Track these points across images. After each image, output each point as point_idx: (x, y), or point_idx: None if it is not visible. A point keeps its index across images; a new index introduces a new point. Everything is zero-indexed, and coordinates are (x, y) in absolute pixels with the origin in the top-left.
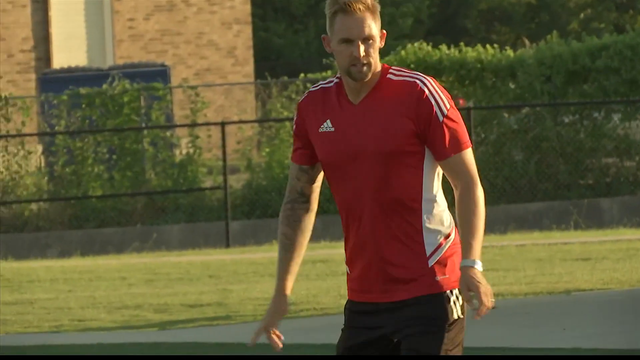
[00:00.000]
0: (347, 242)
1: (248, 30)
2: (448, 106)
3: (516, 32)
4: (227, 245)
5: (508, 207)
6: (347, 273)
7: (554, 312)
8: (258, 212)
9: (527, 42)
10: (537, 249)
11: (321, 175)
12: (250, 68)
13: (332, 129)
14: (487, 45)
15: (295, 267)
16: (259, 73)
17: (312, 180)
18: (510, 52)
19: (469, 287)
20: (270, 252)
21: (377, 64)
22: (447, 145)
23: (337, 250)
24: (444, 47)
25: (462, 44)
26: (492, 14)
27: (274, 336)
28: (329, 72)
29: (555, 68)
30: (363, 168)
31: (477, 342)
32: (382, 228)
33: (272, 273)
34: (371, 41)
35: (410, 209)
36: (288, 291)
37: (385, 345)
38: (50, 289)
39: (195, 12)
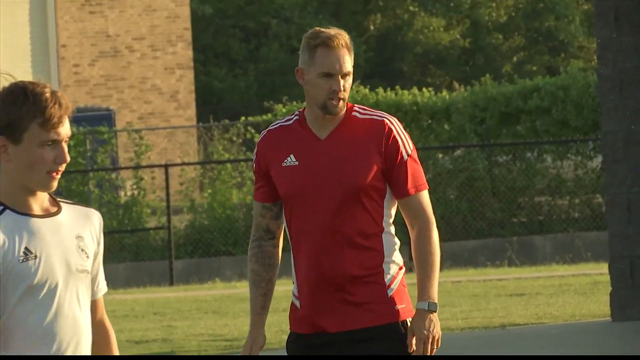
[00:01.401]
0: (300, 274)
1: (190, 75)
2: (411, 147)
3: (451, 75)
4: (171, 283)
5: (444, 244)
6: (295, 307)
7: (489, 346)
8: (201, 251)
9: (456, 85)
10: (472, 285)
11: (276, 215)
12: (192, 111)
13: (297, 163)
14: (423, 88)
15: (267, 302)
16: (200, 116)
17: (277, 217)
18: (445, 95)
19: (415, 333)
20: (213, 290)
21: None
22: (408, 185)
23: (278, 288)
24: (380, 90)
25: (398, 87)
26: (427, 58)
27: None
28: (269, 115)
29: (489, 110)
30: (328, 201)
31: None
32: (345, 260)
33: (215, 310)
34: (348, 77)
35: (372, 241)
36: (263, 325)
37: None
38: None
39: (139, 58)
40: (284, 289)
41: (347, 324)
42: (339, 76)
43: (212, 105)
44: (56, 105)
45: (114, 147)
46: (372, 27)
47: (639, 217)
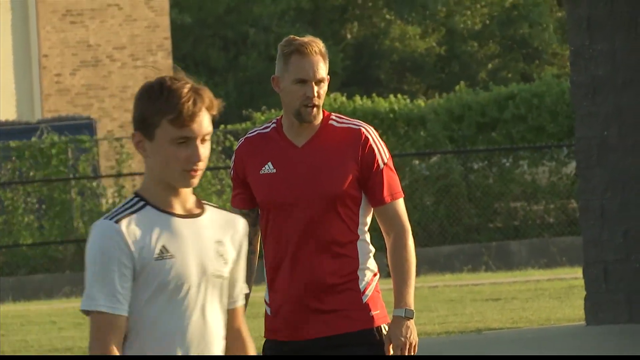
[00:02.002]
0: (274, 281)
1: None
2: (387, 155)
3: (427, 82)
4: None
5: (420, 250)
6: (268, 314)
7: (465, 350)
8: None
9: (435, 95)
10: (448, 290)
11: (254, 222)
12: None
13: (274, 171)
14: (399, 95)
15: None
16: None
17: (254, 224)
18: (421, 102)
19: (391, 340)
20: None
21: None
22: (384, 193)
23: (257, 294)
24: (357, 98)
25: (374, 94)
26: (404, 65)
27: None
28: (248, 124)
29: (464, 117)
30: (305, 209)
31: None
32: (320, 267)
33: None
34: (322, 84)
35: (347, 249)
36: None
37: None
38: None
39: (119, 67)
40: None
41: (322, 330)
42: (313, 82)
43: None
44: (190, 102)
45: (96, 155)
46: (349, 36)
47: (613, 223)
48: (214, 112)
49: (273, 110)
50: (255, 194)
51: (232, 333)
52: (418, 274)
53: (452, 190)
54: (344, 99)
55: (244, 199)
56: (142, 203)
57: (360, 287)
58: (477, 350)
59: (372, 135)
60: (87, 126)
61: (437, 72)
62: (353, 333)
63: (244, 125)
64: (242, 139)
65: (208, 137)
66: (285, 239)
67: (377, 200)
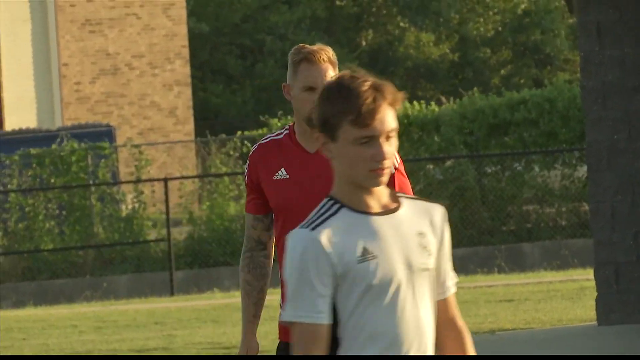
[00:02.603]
0: None
1: (188, 92)
2: (399, 159)
3: (440, 88)
4: (172, 294)
5: None
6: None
7: (479, 351)
8: (200, 262)
9: (443, 99)
10: (462, 291)
11: (268, 227)
12: (190, 127)
13: (287, 177)
14: (414, 101)
15: (259, 311)
16: (198, 131)
17: (268, 228)
18: (434, 108)
19: None
20: (212, 300)
21: None
22: None
23: (275, 297)
24: None
25: None
26: (418, 72)
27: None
28: (265, 130)
29: (477, 122)
30: None
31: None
32: None
33: (214, 319)
34: None
35: None
36: (255, 333)
37: None
38: (5, 337)
39: (138, 75)
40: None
41: None
42: (320, 88)
43: (209, 120)
44: (370, 100)
45: (115, 162)
46: (364, 43)
47: (623, 225)
48: (398, 107)
49: (289, 117)
50: (269, 199)
51: (446, 323)
52: None
53: (466, 194)
54: None
55: (258, 204)
56: (337, 206)
57: None
58: (490, 350)
59: None
60: (106, 133)
61: (451, 78)
62: None
63: (260, 131)
64: (255, 146)
65: (393, 134)
66: None
67: None
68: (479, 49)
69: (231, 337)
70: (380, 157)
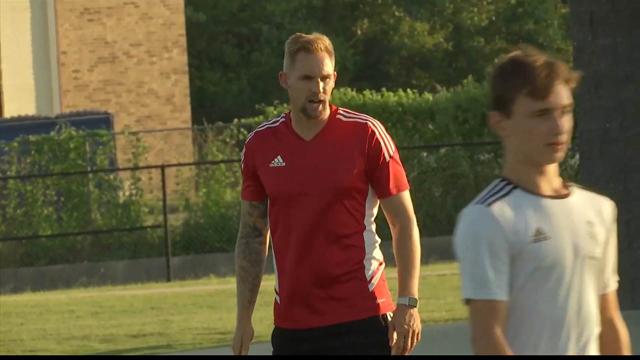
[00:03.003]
0: (283, 271)
1: (185, 80)
2: (393, 148)
3: (435, 77)
4: (168, 279)
5: (429, 239)
6: (277, 302)
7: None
8: (196, 248)
9: (438, 87)
10: (456, 278)
11: (264, 214)
12: (187, 114)
13: (284, 164)
14: (408, 90)
15: (254, 297)
16: (195, 119)
17: (264, 215)
18: (429, 96)
19: (395, 327)
20: (208, 285)
21: (328, 103)
22: (390, 185)
23: (270, 282)
24: (367, 92)
25: (384, 89)
26: (412, 60)
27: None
28: (261, 118)
29: (471, 110)
30: (313, 201)
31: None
32: (328, 257)
33: (210, 304)
34: (328, 79)
35: (354, 239)
36: (250, 318)
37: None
38: (3, 322)
39: (136, 63)
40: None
41: (328, 318)
42: (318, 78)
43: (206, 108)
44: (544, 73)
45: (113, 149)
46: (359, 32)
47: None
48: (573, 84)
49: (285, 105)
50: (265, 187)
51: (604, 321)
52: (427, 262)
53: (460, 181)
54: (354, 93)
55: (254, 191)
56: (510, 186)
57: (367, 276)
58: None
59: (379, 129)
60: (104, 121)
61: (445, 67)
62: (359, 321)
63: (257, 119)
64: (251, 133)
65: (568, 110)
66: (294, 230)
67: (383, 192)
68: (473, 38)
69: (227, 323)
70: (557, 130)
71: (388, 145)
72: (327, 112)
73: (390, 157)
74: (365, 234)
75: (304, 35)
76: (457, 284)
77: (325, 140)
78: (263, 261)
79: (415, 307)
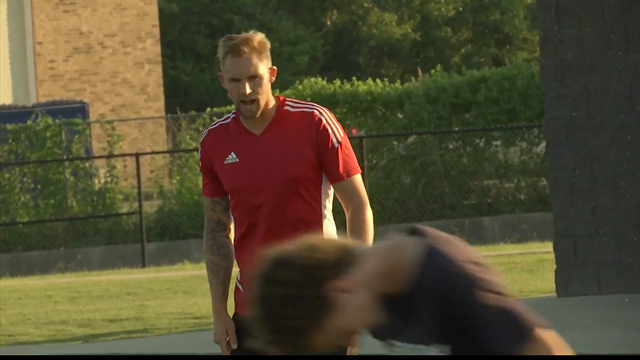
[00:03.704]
0: (243, 260)
1: (158, 69)
2: (342, 134)
3: (403, 67)
4: (143, 265)
5: (398, 226)
6: (239, 289)
7: None
8: (170, 234)
9: (420, 73)
10: None
11: (225, 208)
12: (161, 104)
13: (237, 160)
14: (377, 79)
15: (227, 289)
16: (169, 108)
17: (226, 209)
18: (398, 85)
19: None
20: (182, 271)
21: (268, 98)
22: (340, 170)
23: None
24: (337, 82)
25: (354, 78)
26: (381, 50)
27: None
28: (233, 107)
29: (440, 100)
30: (269, 193)
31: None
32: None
33: (184, 290)
34: (257, 79)
35: (312, 228)
36: (226, 309)
37: None
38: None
39: (111, 54)
40: None
41: None
42: (245, 80)
43: (179, 97)
44: None
45: (88, 137)
46: (329, 22)
47: (581, 199)
48: None
49: None
50: (223, 183)
51: None
52: None
53: (429, 169)
54: (324, 82)
55: (213, 187)
56: None
57: None
58: None
59: (325, 116)
60: (80, 110)
61: (413, 57)
62: None
63: (229, 107)
64: (206, 131)
65: None
66: (253, 222)
67: (333, 177)
68: (440, 28)
69: (201, 307)
70: None
71: (336, 132)
72: (271, 106)
73: (339, 142)
74: (324, 222)
75: (233, 37)
76: None
77: (274, 133)
78: (231, 253)
79: None
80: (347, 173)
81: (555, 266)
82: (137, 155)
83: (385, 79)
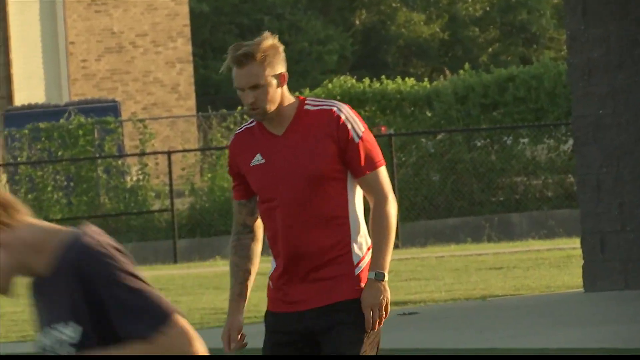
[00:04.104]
0: (275, 258)
1: (189, 68)
2: (362, 129)
3: (431, 65)
4: (175, 261)
5: (427, 222)
6: (270, 287)
7: (471, 316)
8: (202, 231)
9: (447, 72)
10: (454, 260)
11: (253, 211)
12: (192, 102)
13: (263, 161)
14: (406, 78)
15: (244, 290)
16: (200, 106)
17: (252, 212)
18: (426, 84)
19: (362, 301)
20: (213, 267)
21: (282, 101)
22: (362, 164)
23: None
24: (366, 80)
25: (383, 77)
26: (409, 49)
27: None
28: None
29: (469, 98)
30: (295, 191)
31: (400, 345)
32: (315, 243)
33: (216, 285)
34: (261, 88)
35: (339, 224)
36: (240, 311)
37: (307, 343)
38: (17, 303)
39: (142, 53)
40: None
41: (315, 301)
42: (247, 89)
43: (210, 96)
44: None
45: (120, 135)
46: (357, 22)
47: (608, 196)
48: None
49: None
50: (251, 184)
51: None
52: (425, 245)
53: (457, 166)
54: (353, 81)
55: (241, 190)
56: None
57: (354, 260)
58: (481, 316)
59: (345, 111)
60: (112, 108)
61: (441, 56)
62: (343, 302)
63: None
64: (233, 136)
65: None
66: (281, 221)
67: (356, 172)
68: (468, 28)
69: None
70: None
71: (356, 126)
72: (288, 107)
73: (360, 137)
74: (350, 218)
75: (240, 45)
76: (456, 266)
77: (296, 132)
78: (255, 256)
79: (382, 280)
80: (369, 167)
81: (582, 262)
82: (168, 153)
83: (414, 78)
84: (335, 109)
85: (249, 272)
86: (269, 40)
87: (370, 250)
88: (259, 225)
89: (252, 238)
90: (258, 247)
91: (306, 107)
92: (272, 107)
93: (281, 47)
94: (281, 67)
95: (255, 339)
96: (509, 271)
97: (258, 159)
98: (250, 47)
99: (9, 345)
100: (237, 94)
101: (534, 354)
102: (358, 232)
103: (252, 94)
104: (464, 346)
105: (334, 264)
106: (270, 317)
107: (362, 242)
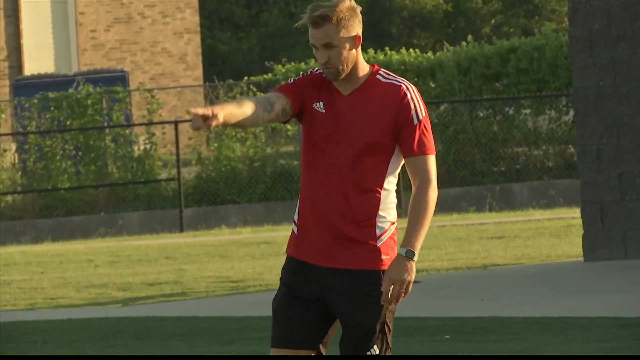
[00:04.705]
0: (304, 207)
1: (197, 39)
2: (424, 114)
3: (435, 37)
4: (181, 230)
5: None
6: (294, 233)
7: (472, 285)
8: (208, 200)
9: (447, 45)
10: (456, 229)
11: (281, 110)
12: (199, 72)
13: (323, 111)
14: (410, 49)
15: (232, 107)
16: (207, 77)
17: (282, 110)
18: (430, 55)
19: (387, 274)
20: (219, 236)
21: (356, 65)
22: (415, 146)
23: (279, 233)
24: (370, 51)
25: (387, 48)
26: (413, 21)
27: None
28: (270, 75)
29: (471, 69)
30: (341, 152)
31: (404, 313)
32: (345, 206)
33: (221, 254)
34: (333, 48)
35: (372, 193)
36: (225, 107)
37: (318, 306)
38: (24, 271)
39: (150, 24)
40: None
41: (333, 262)
42: (321, 49)
43: (217, 66)
44: None
45: (128, 105)
46: None
47: (608, 166)
48: None
49: (293, 63)
50: (303, 125)
51: None
52: None
53: (460, 137)
54: None
55: (291, 94)
56: None
57: (377, 231)
58: (482, 284)
59: (412, 92)
60: (120, 78)
61: (444, 27)
62: (360, 271)
63: (266, 76)
64: (316, 70)
65: None
66: (320, 173)
67: (407, 151)
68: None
69: (238, 272)
70: None
71: (418, 110)
72: (360, 72)
73: (419, 121)
74: (383, 191)
75: (317, 5)
76: (457, 235)
77: (360, 96)
78: (257, 113)
79: (411, 259)
80: (421, 150)
81: (582, 231)
82: (175, 123)
83: (417, 49)
84: (403, 86)
85: (244, 114)
86: (347, 2)
87: (393, 226)
88: (277, 113)
89: (266, 110)
90: (262, 115)
91: (378, 76)
92: (345, 68)
93: (358, 9)
94: (357, 29)
95: (259, 308)
96: (510, 240)
97: (320, 106)
98: (327, 9)
99: (17, 313)
100: (312, 51)
101: (533, 321)
102: (387, 205)
103: (326, 52)
104: (465, 315)
105: (358, 232)
106: (290, 262)
107: (388, 216)
